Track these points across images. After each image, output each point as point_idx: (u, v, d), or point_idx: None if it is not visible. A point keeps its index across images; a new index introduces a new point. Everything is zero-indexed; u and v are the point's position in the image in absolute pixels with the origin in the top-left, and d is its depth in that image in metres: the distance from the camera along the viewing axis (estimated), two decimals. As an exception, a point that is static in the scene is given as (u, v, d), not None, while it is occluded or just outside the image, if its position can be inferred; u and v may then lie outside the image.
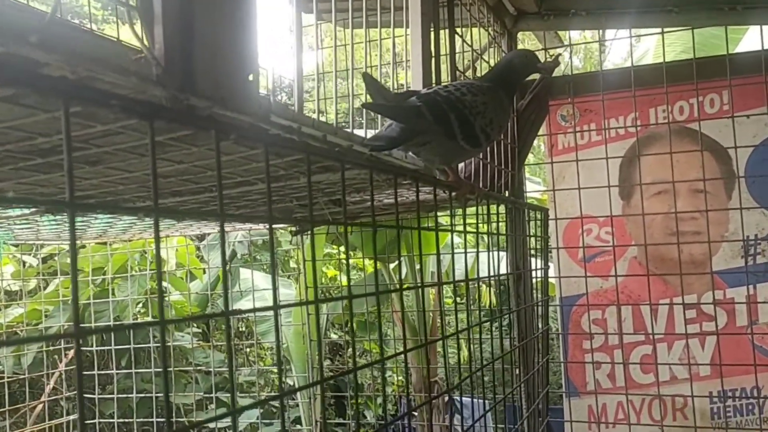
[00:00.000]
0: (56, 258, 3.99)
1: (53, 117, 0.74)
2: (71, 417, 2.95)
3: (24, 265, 3.75)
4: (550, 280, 2.49)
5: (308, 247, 3.08)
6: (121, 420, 3.07)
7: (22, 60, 0.56)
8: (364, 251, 3.85)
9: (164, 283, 4.44)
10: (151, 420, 3.08)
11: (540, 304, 2.33)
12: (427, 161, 1.42)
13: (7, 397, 3.01)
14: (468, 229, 1.57)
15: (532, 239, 2.35)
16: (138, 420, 3.07)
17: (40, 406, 3.44)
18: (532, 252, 2.40)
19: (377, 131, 1.44)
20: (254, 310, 0.77)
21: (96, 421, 2.93)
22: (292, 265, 5.37)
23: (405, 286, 3.88)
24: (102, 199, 1.44)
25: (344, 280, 4.83)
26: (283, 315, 4.30)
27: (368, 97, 1.27)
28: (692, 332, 2.31)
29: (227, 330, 0.66)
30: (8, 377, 3.15)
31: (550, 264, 2.40)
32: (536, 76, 2.18)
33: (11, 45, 0.56)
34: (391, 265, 4.52)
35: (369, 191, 1.74)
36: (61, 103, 0.54)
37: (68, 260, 3.17)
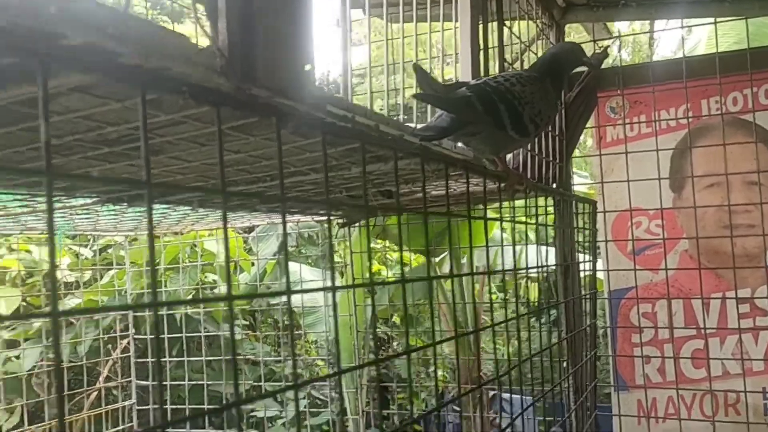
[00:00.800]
0: (110, 250, 4.11)
1: (123, 107, 0.78)
2: (126, 403, 3.04)
3: (79, 257, 3.88)
4: (597, 273, 2.47)
5: (356, 238, 3.12)
6: (173, 407, 3.15)
7: (101, 50, 0.60)
8: (410, 245, 3.87)
9: (213, 276, 4.53)
10: (201, 406, 3.16)
11: (588, 297, 2.31)
12: (476, 151, 1.43)
13: (66, 384, 3.12)
14: (516, 220, 1.58)
15: (580, 232, 2.34)
16: (189, 407, 3.16)
17: (95, 392, 3.56)
18: (580, 244, 2.38)
19: (427, 122, 1.46)
20: (312, 290, 0.80)
21: (150, 406, 3.01)
22: (337, 258, 5.41)
23: (456, 274, 3.89)
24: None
25: (387, 275, 4.86)
26: (330, 307, 4.35)
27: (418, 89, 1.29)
28: (745, 327, 2.27)
29: (289, 309, 0.69)
30: (66, 364, 3.27)
31: (598, 257, 2.38)
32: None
33: (90, 36, 0.59)
34: (435, 259, 4.53)
35: (416, 183, 1.76)
36: (139, 89, 0.57)
37: (122, 252, 3.27)
